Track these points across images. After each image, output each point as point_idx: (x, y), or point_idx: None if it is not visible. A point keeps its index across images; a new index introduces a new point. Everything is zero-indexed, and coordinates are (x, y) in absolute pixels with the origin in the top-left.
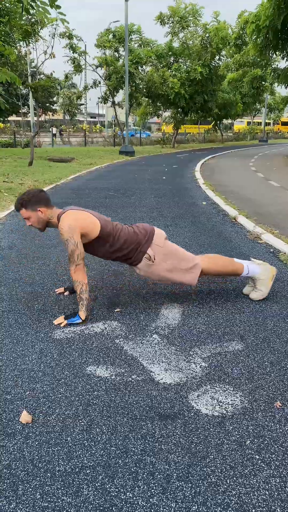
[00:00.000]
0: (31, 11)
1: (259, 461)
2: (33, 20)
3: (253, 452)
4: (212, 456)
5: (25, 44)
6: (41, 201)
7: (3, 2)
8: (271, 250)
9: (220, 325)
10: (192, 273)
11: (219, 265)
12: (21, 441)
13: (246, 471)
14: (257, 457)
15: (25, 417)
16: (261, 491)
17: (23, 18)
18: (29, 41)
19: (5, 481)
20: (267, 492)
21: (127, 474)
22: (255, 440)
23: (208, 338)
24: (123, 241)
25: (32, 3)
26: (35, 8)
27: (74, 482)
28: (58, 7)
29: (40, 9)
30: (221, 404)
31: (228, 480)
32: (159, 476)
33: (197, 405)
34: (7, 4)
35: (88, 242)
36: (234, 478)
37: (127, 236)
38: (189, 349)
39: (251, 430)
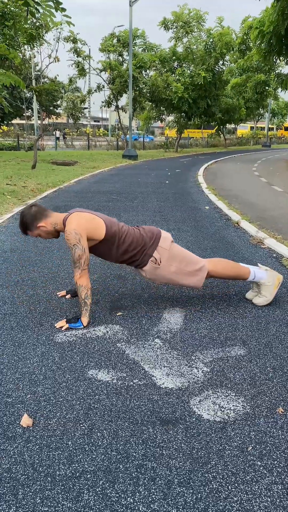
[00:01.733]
0: (37, 15)
1: (261, 468)
2: (37, 24)
3: (255, 459)
4: (214, 462)
5: (29, 47)
6: (36, 217)
7: (8, 6)
8: (274, 255)
9: (222, 330)
10: (198, 276)
11: (225, 268)
12: (21, 444)
13: (248, 477)
14: (259, 463)
15: (25, 420)
16: (263, 498)
17: (28, 22)
18: (33, 44)
19: (5, 485)
20: (269, 499)
21: (128, 479)
22: (257, 446)
23: (210, 343)
24: (129, 243)
25: (38, 6)
26: (41, 11)
27: (75, 487)
28: (64, 10)
29: (46, 11)
30: (223, 409)
31: (229, 487)
32: (160, 482)
33: (199, 410)
34: (12, 8)
35: (94, 244)
36: (236, 485)
37: (133, 238)
38: (191, 354)
39: (253, 436)
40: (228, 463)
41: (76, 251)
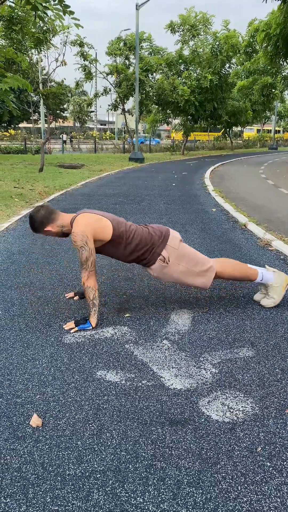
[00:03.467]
0: (45, 19)
1: (271, 468)
2: (45, 28)
3: (264, 459)
4: (223, 463)
5: (36, 51)
6: (43, 222)
7: (16, 11)
8: (282, 257)
9: (230, 332)
10: (206, 276)
11: (234, 268)
12: (31, 444)
13: (258, 478)
14: (268, 464)
15: (35, 420)
16: (273, 498)
17: (36, 26)
18: (40, 48)
19: (16, 484)
20: (278, 500)
21: (137, 479)
22: (266, 447)
23: (219, 344)
24: (137, 242)
25: (46, 10)
26: (49, 14)
27: (85, 486)
28: (72, 12)
29: (55, 15)
30: (231, 410)
31: (239, 487)
32: (169, 482)
33: (208, 411)
34: (20, 12)
35: (102, 245)
36: (245, 485)
37: (141, 237)
38: (199, 355)
39: (262, 437)
40: (237, 463)
41: (83, 253)
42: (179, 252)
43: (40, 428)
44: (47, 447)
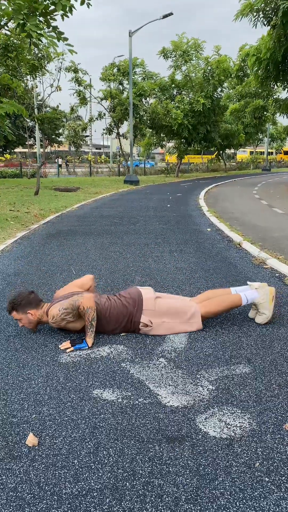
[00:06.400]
0: (40, 45)
1: (269, 483)
2: (39, 55)
3: (262, 475)
4: (221, 478)
5: (32, 78)
6: (31, 304)
7: (11, 38)
8: (277, 274)
9: (227, 349)
10: (193, 322)
11: (216, 305)
12: (27, 463)
13: (256, 493)
14: (266, 479)
15: (31, 439)
16: None
17: (31, 53)
18: (36, 75)
19: (12, 504)
20: None
21: (135, 497)
22: (265, 463)
23: (215, 361)
24: (115, 318)
25: (41, 37)
26: (43, 41)
27: (81, 505)
28: (66, 39)
29: (49, 42)
30: (229, 426)
31: (237, 503)
32: (167, 499)
33: (205, 428)
34: (15, 40)
35: (83, 326)
36: (244, 501)
37: (117, 312)
38: (196, 372)
39: (260, 452)
40: (235, 479)
41: (67, 304)
42: (158, 311)
43: (36, 447)
44: (43, 466)
